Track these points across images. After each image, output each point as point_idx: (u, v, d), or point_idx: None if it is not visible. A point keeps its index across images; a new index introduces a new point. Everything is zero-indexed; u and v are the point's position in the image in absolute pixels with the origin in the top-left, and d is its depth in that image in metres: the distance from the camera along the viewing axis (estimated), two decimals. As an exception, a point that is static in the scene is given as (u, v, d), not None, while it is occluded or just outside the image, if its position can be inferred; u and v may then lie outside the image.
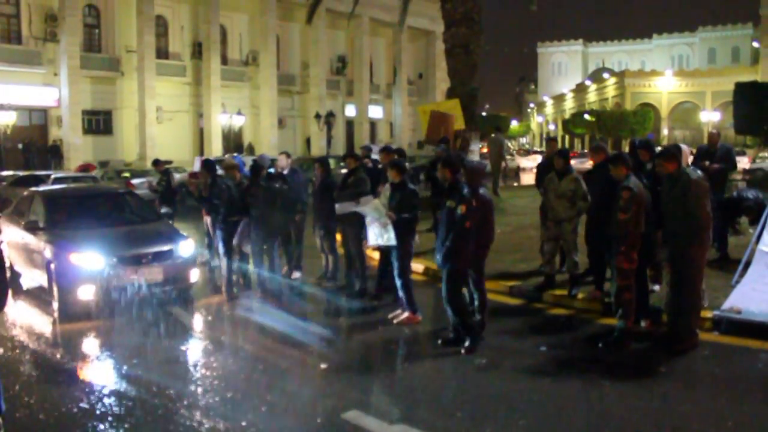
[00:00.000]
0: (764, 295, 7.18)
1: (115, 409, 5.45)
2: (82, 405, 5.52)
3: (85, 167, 27.85)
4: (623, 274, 6.68)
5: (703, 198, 6.39)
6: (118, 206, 10.23)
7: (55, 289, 8.36)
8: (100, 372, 6.61)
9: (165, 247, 8.80)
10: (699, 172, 7.40)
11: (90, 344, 7.66)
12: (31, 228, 8.98)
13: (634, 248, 6.62)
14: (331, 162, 15.37)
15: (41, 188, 11.21)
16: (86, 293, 8.15)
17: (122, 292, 8.25)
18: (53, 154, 33.42)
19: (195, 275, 9.14)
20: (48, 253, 8.52)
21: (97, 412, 5.37)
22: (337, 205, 8.93)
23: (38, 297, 9.32)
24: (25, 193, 10.80)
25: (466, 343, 6.70)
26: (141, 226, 9.68)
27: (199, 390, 5.87)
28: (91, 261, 8.18)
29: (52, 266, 8.40)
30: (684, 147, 8.42)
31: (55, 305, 8.36)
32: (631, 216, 6.54)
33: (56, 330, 8.11)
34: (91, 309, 8.22)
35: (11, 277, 9.96)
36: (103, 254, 8.23)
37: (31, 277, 9.56)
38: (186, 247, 9.01)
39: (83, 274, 8.12)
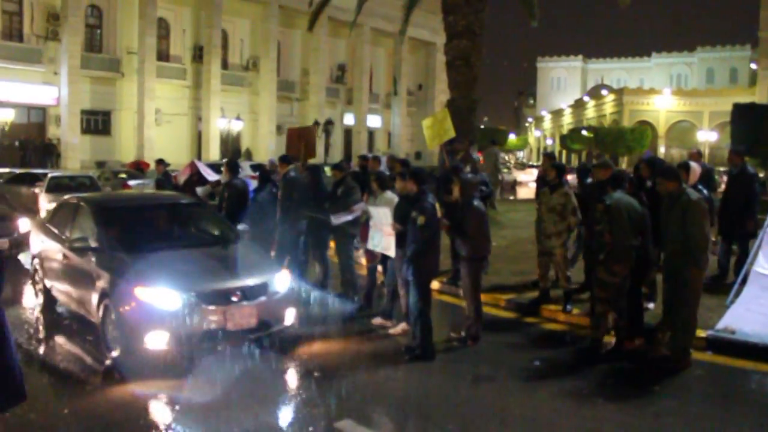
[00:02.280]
0: (758, 316, 7.21)
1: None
2: None
3: (137, 164, 27.70)
4: (602, 285, 6.77)
5: (702, 219, 6.38)
6: (186, 222, 8.19)
7: (111, 332, 6.46)
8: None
9: (258, 280, 6.77)
10: (705, 192, 7.44)
11: (161, 413, 5.55)
12: (80, 248, 7.11)
13: (615, 261, 6.65)
14: (327, 170, 15.39)
15: (87, 195, 9.21)
16: (157, 341, 6.13)
17: (204, 341, 6.38)
18: (48, 153, 33.36)
19: (291, 316, 7.10)
20: (103, 283, 6.60)
21: None
22: (332, 217, 8.91)
23: (82, 336, 7.40)
24: (71, 200, 8.50)
25: (416, 351, 6.77)
26: (221, 249, 7.48)
27: (191, 396, 5.83)
28: (163, 298, 6.20)
29: (109, 301, 6.46)
30: (694, 165, 8.42)
31: (113, 353, 6.42)
32: (604, 227, 6.61)
33: (112, 390, 6.04)
34: (161, 363, 6.28)
35: (46, 303, 8.41)
36: (179, 289, 6.25)
37: (74, 311, 7.67)
38: (282, 279, 7.11)
39: (153, 315, 6.15)
